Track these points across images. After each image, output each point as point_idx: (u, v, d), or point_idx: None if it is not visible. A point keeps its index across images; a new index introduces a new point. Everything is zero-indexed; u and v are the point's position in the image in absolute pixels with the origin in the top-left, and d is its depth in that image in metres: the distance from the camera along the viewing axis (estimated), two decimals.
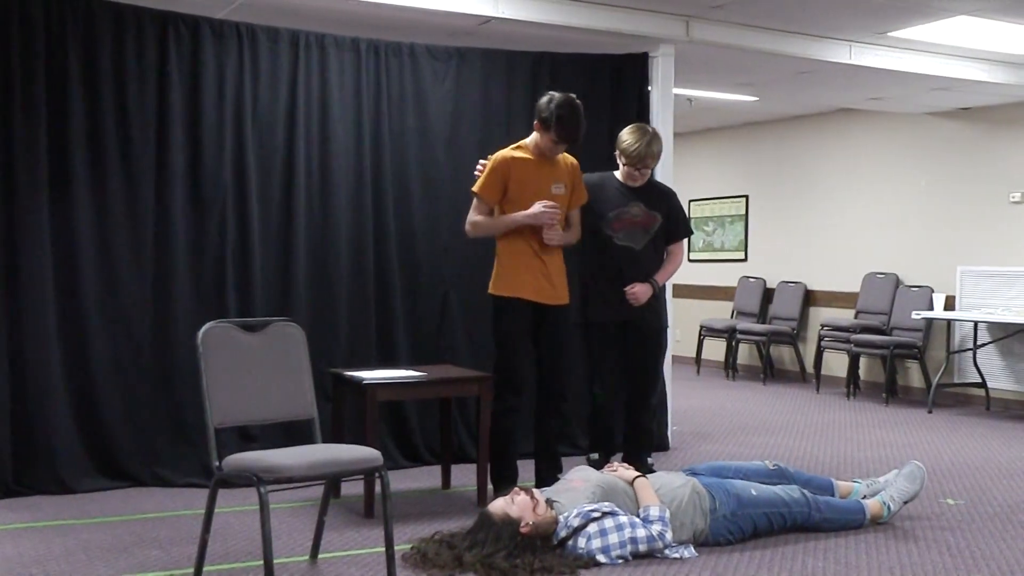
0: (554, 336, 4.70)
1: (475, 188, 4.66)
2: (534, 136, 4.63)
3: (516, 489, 3.79)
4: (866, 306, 8.92)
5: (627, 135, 4.88)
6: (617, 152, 4.91)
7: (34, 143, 4.76)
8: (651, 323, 4.98)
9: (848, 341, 8.48)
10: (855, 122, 9.31)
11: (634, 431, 5.03)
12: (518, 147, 4.69)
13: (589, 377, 5.10)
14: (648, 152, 4.81)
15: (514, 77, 5.86)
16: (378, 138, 5.54)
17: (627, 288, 4.83)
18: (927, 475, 4.49)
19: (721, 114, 9.77)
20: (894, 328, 8.59)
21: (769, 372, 9.73)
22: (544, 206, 4.53)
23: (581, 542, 3.70)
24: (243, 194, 5.19)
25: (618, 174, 4.98)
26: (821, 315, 9.39)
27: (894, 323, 8.61)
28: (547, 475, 4.72)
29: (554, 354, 4.71)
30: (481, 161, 4.75)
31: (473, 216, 4.67)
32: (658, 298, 5.01)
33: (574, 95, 4.58)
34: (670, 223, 5.00)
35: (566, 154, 4.74)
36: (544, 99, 4.56)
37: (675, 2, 5.79)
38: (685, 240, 5.11)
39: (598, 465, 4.52)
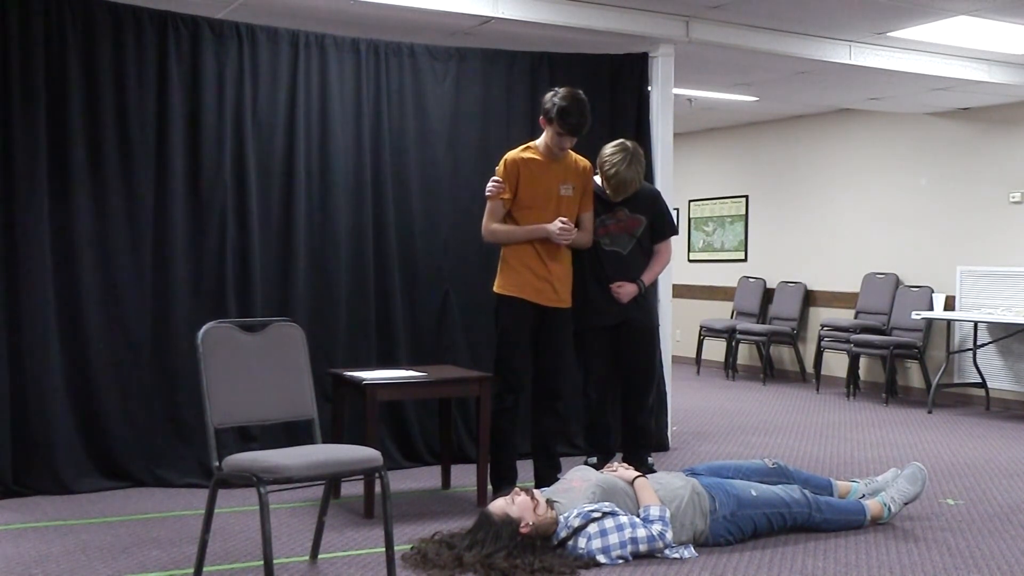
0: (552, 336, 4.71)
1: (489, 193, 4.62)
2: (543, 135, 4.62)
3: (516, 489, 3.79)
4: (866, 306, 8.92)
5: (608, 157, 4.75)
6: (598, 170, 4.82)
7: (34, 143, 4.75)
8: (642, 322, 4.98)
9: (848, 341, 8.48)
10: (855, 122, 9.31)
11: (632, 431, 5.03)
12: (527, 148, 4.68)
13: (583, 381, 5.09)
14: (628, 177, 4.71)
15: (514, 77, 5.86)
16: (378, 138, 5.54)
17: (612, 285, 4.83)
18: (927, 475, 4.49)
19: (721, 114, 9.77)
20: (894, 328, 8.59)
21: (769, 372, 9.73)
22: (560, 226, 4.52)
23: (581, 542, 3.70)
24: (243, 194, 5.19)
25: (599, 180, 4.89)
26: (821, 315, 9.39)
27: (894, 323, 8.61)
28: (546, 475, 4.73)
29: (551, 354, 4.72)
30: (495, 179, 4.64)
31: (490, 223, 4.63)
32: (646, 297, 5.01)
33: (580, 90, 4.56)
34: (655, 224, 4.98)
35: (578, 156, 4.71)
36: (548, 94, 4.56)
37: (675, 2, 5.79)
38: (672, 238, 5.10)
39: (596, 468, 4.52)
